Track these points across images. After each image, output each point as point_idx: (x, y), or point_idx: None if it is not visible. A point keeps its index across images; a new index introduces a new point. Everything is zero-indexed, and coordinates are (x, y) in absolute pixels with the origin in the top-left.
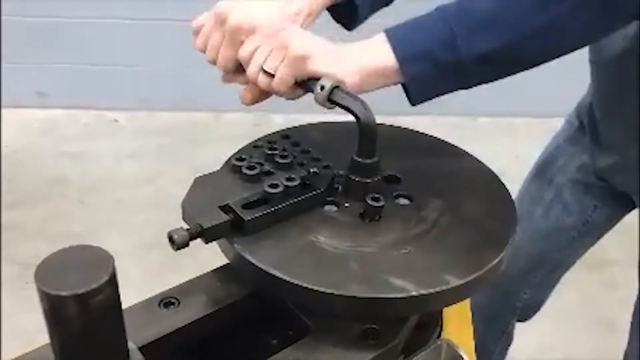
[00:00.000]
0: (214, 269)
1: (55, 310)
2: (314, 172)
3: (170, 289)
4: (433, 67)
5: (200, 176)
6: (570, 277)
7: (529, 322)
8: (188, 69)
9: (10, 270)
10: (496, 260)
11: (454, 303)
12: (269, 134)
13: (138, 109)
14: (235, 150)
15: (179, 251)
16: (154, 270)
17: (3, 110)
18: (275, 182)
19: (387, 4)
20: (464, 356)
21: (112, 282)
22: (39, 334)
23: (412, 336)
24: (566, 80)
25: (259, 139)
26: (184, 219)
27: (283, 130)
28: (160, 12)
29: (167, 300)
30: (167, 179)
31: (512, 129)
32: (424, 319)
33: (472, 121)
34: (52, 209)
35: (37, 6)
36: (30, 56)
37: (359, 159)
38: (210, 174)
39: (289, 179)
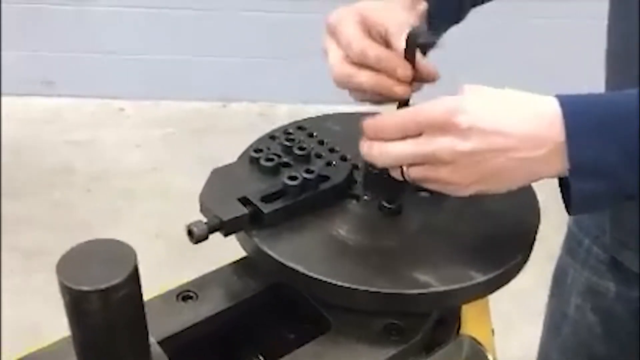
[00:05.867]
0: (231, 263)
1: (77, 304)
2: (332, 163)
3: (187, 282)
4: (610, 186)
5: (217, 168)
6: None
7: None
8: (194, 58)
9: (15, 260)
10: (520, 257)
11: (478, 298)
12: (284, 125)
13: (144, 98)
14: (241, 139)
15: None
16: (160, 259)
17: (9, 99)
18: (294, 174)
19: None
20: (487, 352)
21: (135, 277)
22: (43, 324)
23: (432, 332)
24: None
25: (275, 130)
26: (202, 211)
27: (297, 121)
28: (167, 0)
29: (185, 294)
30: (173, 168)
31: None
32: (444, 314)
33: None
34: (58, 198)
35: None
36: (36, 44)
37: None
38: (227, 165)
39: (307, 171)
